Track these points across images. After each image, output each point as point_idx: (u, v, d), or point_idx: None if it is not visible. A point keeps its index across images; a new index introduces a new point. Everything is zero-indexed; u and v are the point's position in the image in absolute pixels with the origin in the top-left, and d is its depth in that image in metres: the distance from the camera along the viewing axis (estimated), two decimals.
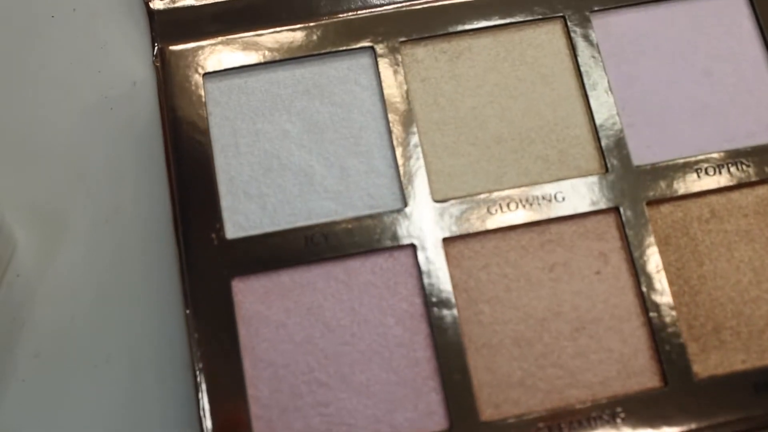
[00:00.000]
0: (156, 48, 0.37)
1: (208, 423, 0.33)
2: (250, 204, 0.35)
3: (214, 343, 0.34)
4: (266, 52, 0.37)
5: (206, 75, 0.37)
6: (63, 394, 0.35)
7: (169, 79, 0.37)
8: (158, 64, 0.37)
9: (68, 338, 0.35)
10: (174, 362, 0.35)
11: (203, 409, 0.33)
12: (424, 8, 0.38)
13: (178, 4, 0.38)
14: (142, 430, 0.35)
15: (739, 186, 0.36)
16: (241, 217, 0.35)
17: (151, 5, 0.38)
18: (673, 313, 0.34)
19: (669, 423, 0.33)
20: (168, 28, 0.38)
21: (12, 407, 0.35)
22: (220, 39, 0.37)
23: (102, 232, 0.37)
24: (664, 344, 0.34)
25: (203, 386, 0.33)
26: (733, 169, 0.36)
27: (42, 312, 0.36)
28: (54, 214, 0.37)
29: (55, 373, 0.35)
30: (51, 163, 0.37)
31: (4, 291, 0.36)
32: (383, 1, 0.38)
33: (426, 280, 0.34)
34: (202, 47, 0.37)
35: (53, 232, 0.37)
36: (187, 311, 0.34)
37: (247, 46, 0.37)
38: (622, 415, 0.33)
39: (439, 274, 0.35)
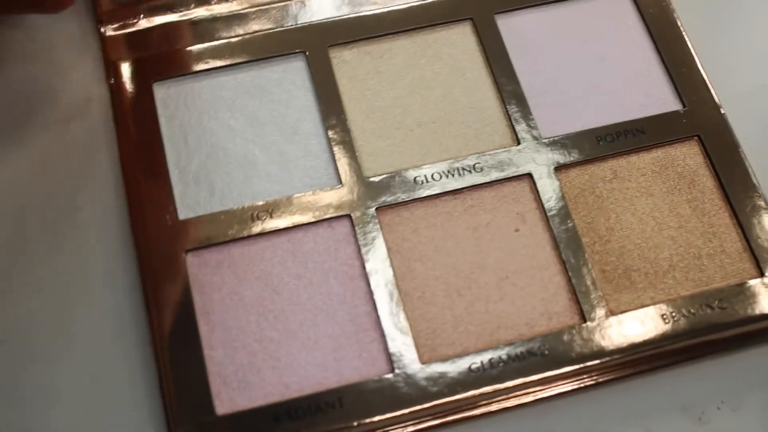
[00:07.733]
0: (110, 65, 0.42)
1: (168, 385, 0.36)
2: (199, 190, 0.39)
3: (171, 311, 0.37)
4: (210, 60, 0.41)
5: (155, 82, 0.41)
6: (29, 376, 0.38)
7: (121, 89, 0.41)
8: (111, 80, 0.41)
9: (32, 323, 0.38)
10: (135, 338, 0.38)
11: (163, 375, 0.36)
12: (347, 18, 0.43)
13: (127, 30, 0.42)
14: (112, 393, 0.37)
15: (636, 150, 0.41)
16: (192, 201, 0.39)
17: (103, 31, 0.42)
18: (587, 260, 0.38)
19: (589, 356, 0.37)
20: (117, 47, 0.42)
21: None
22: (165, 51, 0.42)
23: (64, 228, 0.40)
24: (581, 287, 0.38)
25: (162, 353, 0.36)
26: (629, 135, 0.41)
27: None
28: (19, 208, 0.40)
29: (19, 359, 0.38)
30: (17, 166, 0.41)
31: None
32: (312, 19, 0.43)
33: (363, 245, 0.38)
34: (150, 59, 0.41)
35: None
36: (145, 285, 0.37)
37: (191, 57, 0.42)
38: (547, 351, 0.37)
39: (375, 239, 0.38)
